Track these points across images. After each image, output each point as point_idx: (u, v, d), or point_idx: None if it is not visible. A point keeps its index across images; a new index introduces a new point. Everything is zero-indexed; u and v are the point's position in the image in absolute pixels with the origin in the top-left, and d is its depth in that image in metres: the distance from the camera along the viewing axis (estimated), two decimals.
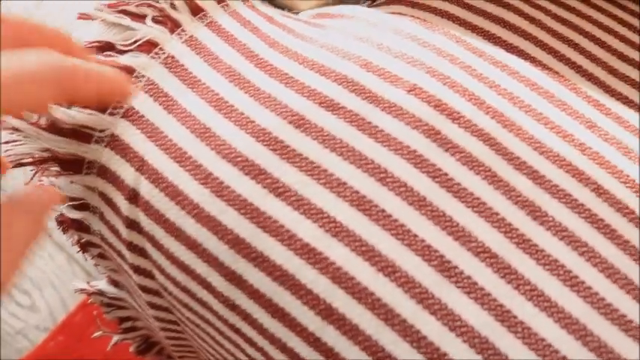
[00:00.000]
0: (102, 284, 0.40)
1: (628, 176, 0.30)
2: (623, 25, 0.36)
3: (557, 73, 0.33)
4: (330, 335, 0.28)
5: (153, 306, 0.36)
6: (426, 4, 0.35)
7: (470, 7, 0.35)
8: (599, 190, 0.29)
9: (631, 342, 0.27)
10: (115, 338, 0.46)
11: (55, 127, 0.33)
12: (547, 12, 0.36)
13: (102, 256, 0.37)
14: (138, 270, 0.34)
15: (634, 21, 0.36)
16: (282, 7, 0.37)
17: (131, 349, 0.49)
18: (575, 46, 0.34)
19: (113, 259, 0.36)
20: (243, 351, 0.32)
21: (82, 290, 0.41)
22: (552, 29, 0.35)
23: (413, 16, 0.34)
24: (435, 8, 0.35)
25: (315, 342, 0.28)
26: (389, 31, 0.33)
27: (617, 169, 0.30)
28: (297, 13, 0.37)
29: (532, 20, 0.35)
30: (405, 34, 0.33)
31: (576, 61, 0.34)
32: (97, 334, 0.44)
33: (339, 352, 0.28)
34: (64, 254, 0.45)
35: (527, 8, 0.35)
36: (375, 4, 0.36)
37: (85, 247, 0.37)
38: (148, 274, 0.34)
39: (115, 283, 0.40)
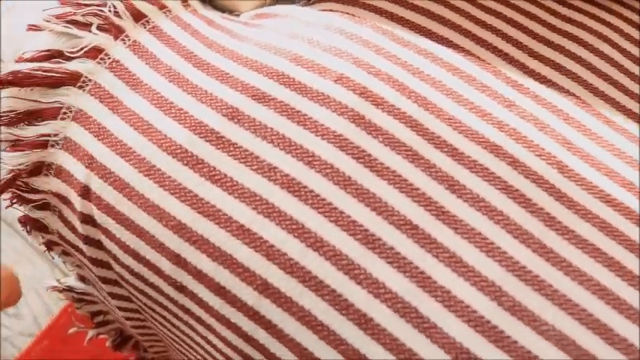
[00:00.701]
0: (71, 280, 0.43)
1: (543, 149, 0.33)
2: (543, 10, 0.39)
3: (479, 58, 0.36)
4: (268, 309, 0.31)
5: (114, 296, 0.39)
6: (356, 0, 0.38)
7: (398, 1, 0.38)
8: (515, 164, 0.32)
9: (543, 299, 0.30)
10: (90, 333, 0.49)
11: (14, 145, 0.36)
12: (472, 2, 0.38)
13: (65, 253, 0.40)
14: (96, 262, 0.37)
15: (554, 5, 0.39)
16: (224, 10, 0.40)
17: (107, 343, 0.52)
18: (498, 32, 0.37)
19: (74, 255, 0.39)
20: (195, 330, 0.35)
21: (53, 288, 0.44)
22: (477, 18, 0.38)
23: (343, 12, 0.37)
24: (364, 3, 0.38)
25: (254, 315, 0.31)
26: (319, 26, 0.36)
27: (534, 143, 0.33)
28: (238, 14, 0.40)
29: (457, 10, 0.38)
30: (334, 28, 0.36)
31: (498, 46, 0.37)
32: (71, 330, 0.47)
33: (276, 323, 0.31)
34: (45, 260, 0.48)
35: (463, 4, 0.38)
36: (309, 3, 0.39)
37: (49, 246, 0.40)
38: (106, 265, 0.37)
39: (82, 279, 0.43)
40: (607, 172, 0.33)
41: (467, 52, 0.36)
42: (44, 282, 0.44)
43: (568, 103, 0.35)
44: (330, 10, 0.38)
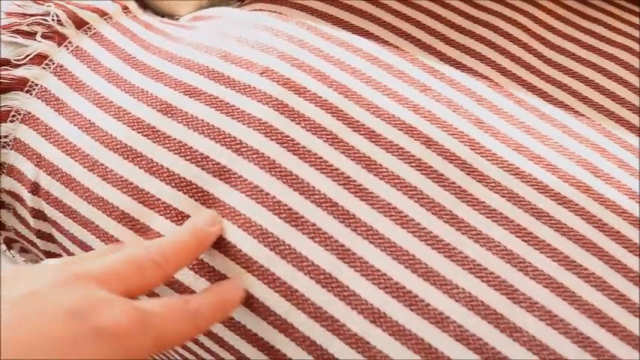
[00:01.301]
0: None
1: (456, 128, 0.36)
2: (462, 2, 0.42)
3: (397, 47, 0.39)
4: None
5: None
6: (283, 0, 0.41)
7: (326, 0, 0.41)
8: (428, 143, 0.36)
9: (454, 265, 0.33)
10: None
11: None
12: (414, 5, 0.42)
13: (24, 250, 0.43)
14: (49, 254, 0.40)
15: None
16: (164, 15, 0.44)
17: None
18: (416, 23, 0.41)
19: (31, 250, 0.42)
20: None
21: None
22: (396, 10, 0.41)
23: (270, 11, 0.41)
24: (290, 2, 0.41)
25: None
26: (248, 25, 0.40)
27: (447, 123, 0.36)
28: (178, 18, 0.43)
29: (378, 4, 0.41)
30: (262, 26, 0.39)
31: (415, 35, 0.40)
32: None
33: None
34: (8, 260, 0.51)
35: (389, 1, 0.42)
36: (241, 4, 0.43)
37: (8, 243, 0.43)
38: (58, 257, 0.40)
39: None
40: (516, 147, 0.36)
41: (385, 42, 0.39)
42: None
43: (481, 85, 0.39)
44: (260, 10, 0.41)
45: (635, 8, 0.45)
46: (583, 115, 0.38)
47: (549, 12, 0.44)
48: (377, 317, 0.32)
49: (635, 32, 0.43)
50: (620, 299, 0.33)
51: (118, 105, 0.37)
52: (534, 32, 0.42)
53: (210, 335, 0.35)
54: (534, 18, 0.43)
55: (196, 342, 0.36)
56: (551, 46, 0.42)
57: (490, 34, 0.41)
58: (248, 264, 0.34)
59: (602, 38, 0.43)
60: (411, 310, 0.32)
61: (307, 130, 0.35)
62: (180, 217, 0.35)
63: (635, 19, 0.44)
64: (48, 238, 0.39)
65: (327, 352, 0.33)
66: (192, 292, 0.35)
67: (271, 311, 0.33)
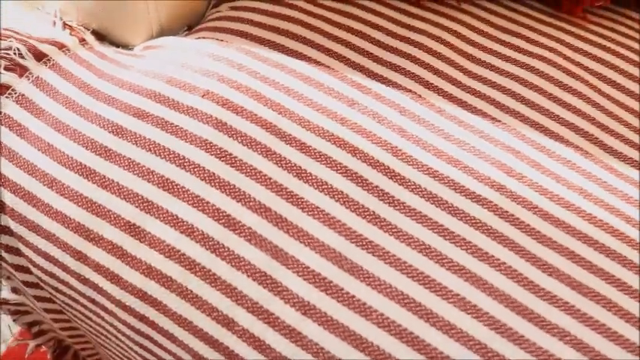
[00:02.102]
0: (5, 293, 0.51)
1: (380, 138, 0.41)
2: (386, 20, 0.47)
3: (328, 66, 0.44)
4: (153, 289, 0.39)
5: (38, 299, 0.47)
6: (224, 27, 0.47)
7: (258, 24, 0.47)
8: (354, 151, 0.40)
9: (376, 260, 0.37)
10: (31, 345, 0.56)
11: None
12: (325, 19, 0.47)
13: None
14: (18, 268, 0.45)
15: (397, 15, 0.48)
16: (119, 45, 0.49)
17: (48, 355, 0.59)
18: (346, 44, 0.46)
19: (2, 267, 0.47)
20: (102, 318, 0.43)
21: None
22: (327, 32, 0.46)
23: (213, 38, 0.46)
24: (231, 29, 0.46)
25: (143, 296, 0.39)
26: (192, 52, 0.45)
27: (372, 133, 0.41)
28: (132, 47, 0.49)
29: (310, 27, 0.47)
30: (204, 52, 0.45)
31: (346, 55, 0.45)
32: (11, 342, 0.55)
33: (161, 300, 0.39)
34: None
35: (307, 19, 0.47)
36: (187, 34, 0.48)
37: None
38: (26, 270, 0.45)
39: (15, 290, 0.51)
40: (436, 153, 0.41)
41: (317, 62, 0.44)
42: None
43: (405, 97, 0.44)
44: (203, 38, 0.47)
45: (555, 22, 0.51)
46: (499, 121, 0.43)
47: (473, 28, 0.49)
48: (308, 310, 0.37)
49: (553, 44, 0.49)
50: (529, 286, 0.37)
51: (74, 128, 0.42)
52: (458, 47, 0.47)
53: (163, 332, 0.40)
54: (459, 34, 0.48)
55: (153, 341, 0.41)
56: (473, 60, 0.47)
57: (415, 51, 0.46)
58: (191, 266, 0.38)
59: (521, 50, 0.48)
60: (338, 301, 0.37)
61: (243, 145, 0.40)
62: (128, 226, 0.40)
63: (553, 32, 0.50)
64: (15, 252, 0.44)
65: (264, 343, 0.37)
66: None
67: (214, 308, 0.38)
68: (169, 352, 0.40)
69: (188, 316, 0.38)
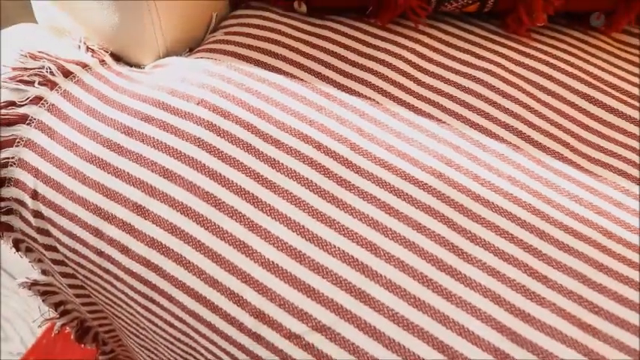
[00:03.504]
0: (35, 275, 0.63)
1: (340, 135, 0.52)
2: (354, 40, 0.59)
3: (302, 79, 0.56)
4: (157, 258, 0.50)
5: (64, 275, 0.59)
6: (218, 49, 0.59)
7: (247, 46, 0.59)
8: (319, 147, 0.52)
9: (329, 230, 0.48)
10: (58, 324, 0.68)
11: None
12: (304, 42, 0.59)
13: (28, 249, 0.60)
14: (47, 247, 0.57)
15: (363, 36, 0.60)
16: (132, 65, 0.61)
17: (72, 336, 0.71)
18: (319, 60, 0.58)
19: (34, 248, 0.59)
20: (115, 287, 0.54)
21: (22, 283, 0.64)
22: (304, 51, 0.58)
23: (209, 57, 0.58)
24: (224, 50, 0.59)
25: (148, 264, 0.51)
26: (191, 69, 0.57)
27: (334, 132, 0.53)
28: (143, 66, 0.61)
29: (291, 48, 0.59)
30: (200, 69, 0.57)
31: (317, 69, 0.57)
32: (37, 319, 0.67)
33: (166, 270, 0.50)
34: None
35: (288, 41, 0.59)
36: (189, 54, 0.61)
37: (16, 244, 0.60)
38: (54, 249, 0.56)
39: (44, 272, 0.63)
40: (387, 148, 0.52)
41: (293, 76, 0.56)
42: (16, 281, 0.64)
43: (364, 103, 0.55)
44: (201, 57, 0.59)
45: (501, 40, 0.62)
46: (443, 122, 0.54)
47: (427, 46, 0.60)
48: (276, 270, 0.48)
49: (496, 58, 0.60)
50: (458, 252, 0.48)
51: (93, 130, 0.54)
52: (413, 62, 0.58)
53: (162, 293, 0.51)
54: (414, 51, 0.59)
55: (155, 302, 0.52)
56: (425, 72, 0.58)
57: (376, 66, 0.58)
58: (185, 238, 0.50)
59: (467, 64, 0.59)
60: (301, 264, 0.48)
61: (229, 142, 0.52)
62: (136, 207, 0.51)
63: (498, 48, 0.61)
64: (45, 233, 0.56)
65: (242, 298, 0.48)
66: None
67: (202, 270, 0.49)
68: (167, 311, 0.52)
69: (182, 278, 0.50)
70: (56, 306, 0.67)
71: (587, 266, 0.48)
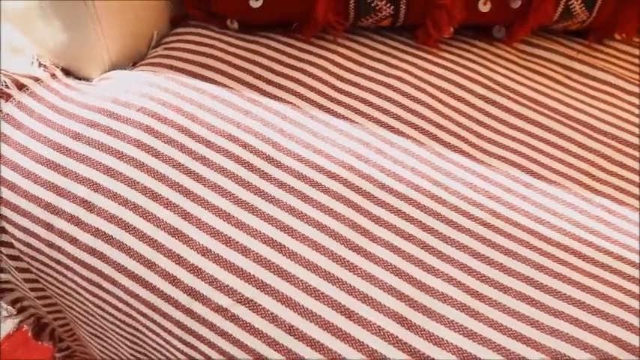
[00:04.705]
0: None
1: (264, 136, 0.61)
2: (280, 53, 0.68)
3: (232, 88, 0.65)
4: (102, 247, 0.58)
5: (19, 270, 0.66)
6: (158, 62, 0.68)
7: (184, 60, 0.68)
8: (246, 146, 0.60)
9: (252, 216, 0.57)
10: (15, 321, 0.75)
11: None
12: (235, 55, 0.68)
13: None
14: (3, 244, 0.64)
15: (288, 49, 0.69)
16: (81, 78, 0.70)
17: (29, 333, 0.78)
18: (248, 71, 0.67)
19: None
20: (66, 277, 0.62)
21: None
22: (235, 64, 0.67)
23: (149, 71, 0.67)
24: (163, 64, 0.67)
25: (94, 252, 0.58)
26: (133, 80, 0.66)
27: (258, 133, 0.61)
28: (91, 79, 0.69)
29: (223, 61, 0.67)
30: (141, 80, 0.65)
31: (246, 79, 0.66)
32: (3, 319, 0.74)
33: (110, 257, 0.58)
34: None
35: (220, 54, 0.68)
36: (132, 68, 0.69)
37: None
38: (10, 245, 0.64)
39: (1, 270, 0.70)
40: (305, 145, 0.61)
41: (224, 85, 0.65)
42: None
43: (287, 108, 0.64)
44: (142, 70, 0.68)
45: (412, 50, 0.71)
46: (356, 123, 0.63)
47: (345, 56, 0.69)
48: (207, 253, 0.56)
49: (407, 66, 0.69)
50: (362, 231, 0.56)
51: (44, 135, 0.62)
52: (331, 71, 0.68)
53: (107, 278, 0.59)
54: (333, 61, 0.69)
55: (101, 287, 0.60)
56: (342, 79, 0.67)
57: (298, 75, 0.67)
58: (126, 227, 0.58)
59: (381, 72, 0.68)
60: (228, 247, 0.56)
61: (165, 143, 0.60)
62: (83, 202, 0.59)
63: (409, 58, 0.70)
64: (1, 230, 0.64)
65: (176, 278, 0.56)
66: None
67: (142, 255, 0.57)
68: (112, 294, 0.59)
69: (124, 263, 0.58)
70: (13, 303, 0.74)
71: (477, 242, 0.57)
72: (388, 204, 0.58)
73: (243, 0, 0.69)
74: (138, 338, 0.62)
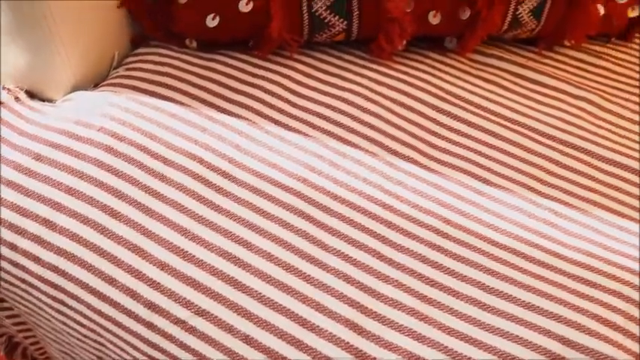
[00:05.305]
0: None
1: (220, 152, 0.63)
2: (238, 71, 0.71)
3: (190, 106, 0.67)
4: (65, 264, 0.60)
5: None
6: (119, 83, 0.70)
7: (143, 79, 0.70)
8: (202, 161, 0.62)
9: (205, 228, 0.59)
10: None
11: None
12: (193, 73, 0.70)
13: None
14: None
15: (245, 66, 0.71)
16: (44, 100, 0.72)
17: (1, 352, 0.80)
18: (206, 89, 0.69)
19: None
20: (31, 294, 0.64)
21: None
22: (193, 82, 0.70)
23: (111, 91, 0.69)
24: (123, 84, 0.70)
25: (56, 269, 0.60)
26: (94, 101, 0.68)
27: (215, 149, 0.63)
28: (55, 101, 0.72)
29: (181, 80, 0.70)
30: (102, 100, 0.67)
31: (203, 97, 0.68)
32: None
33: (55, 263, 0.60)
34: None
35: (179, 73, 0.70)
36: (94, 88, 0.71)
37: None
38: None
39: None
40: (260, 160, 0.63)
41: (182, 104, 0.67)
42: None
43: (242, 124, 0.66)
44: (104, 91, 0.70)
45: (366, 64, 0.74)
46: (310, 136, 0.66)
47: (301, 72, 0.72)
48: (165, 266, 0.58)
49: (360, 79, 0.71)
50: (311, 239, 0.59)
51: (7, 157, 0.64)
52: (287, 87, 0.70)
53: (71, 295, 0.61)
54: (288, 77, 0.71)
55: (65, 304, 0.62)
56: (298, 95, 0.70)
57: (255, 91, 0.69)
58: (86, 244, 0.60)
59: (335, 86, 0.71)
60: (184, 260, 0.58)
61: (124, 161, 0.63)
62: (45, 221, 0.61)
63: (363, 71, 0.73)
64: None
65: (136, 292, 0.58)
66: None
67: (102, 272, 0.59)
68: (76, 311, 0.61)
69: (86, 280, 0.60)
70: None
71: (428, 249, 0.59)
72: (340, 214, 0.61)
73: (200, 20, 0.71)
74: (103, 353, 0.64)
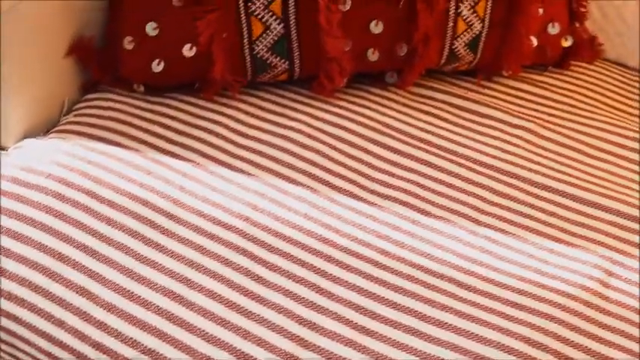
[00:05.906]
0: None
1: (164, 193, 0.66)
2: (184, 113, 0.74)
3: (137, 150, 0.70)
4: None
5: None
6: (67, 129, 0.73)
7: (91, 125, 0.73)
8: (145, 203, 0.65)
9: (144, 266, 0.61)
10: None
11: None
12: (140, 117, 0.73)
13: None
14: None
15: (191, 108, 0.74)
16: None
17: None
18: (151, 132, 0.72)
19: None
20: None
21: None
22: (139, 125, 0.72)
23: (60, 138, 0.72)
24: (72, 130, 0.73)
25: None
26: (43, 148, 0.70)
27: (159, 191, 0.66)
28: (6, 149, 0.74)
29: (128, 124, 0.73)
30: (50, 148, 0.70)
31: (149, 141, 0.71)
32: None
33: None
34: None
35: (125, 117, 0.73)
36: (44, 135, 0.74)
37: None
38: None
39: None
40: (204, 200, 0.66)
41: (128, 148, 0.70)
42: None
43: (188, 166, 0.69)
44: (53, 138, 0.73)
45: (308, 100, 0.77)
46: (253, 175, 0.69)
47: (245, 112, 0.75)
48: (112, 309, 0.60)
49: (300, 116, 0.75)
50: (257, 279, 0.61)
51: None
52: (231, 127, 0.73)
53: (28, 326, 0.63)
54: (232, 117, 0.74)
55: (17, 336, 0.64)
56: (241, 134, 0.73)
57: (199, 133, 0.72)
58: (28, 284, 0.62)
59: (277, 124, 0.74)
60: (131, 301, 0.61)
61: (72, 207, 0.65)
62: (18, 257, 0.64)
63: (304, 108, 0.76)
64: None
65: (120, 332, 0.60)
66: None
67: (72, 305, 0.61)
68: (28, 355, 0.63)
69: (35, 323, 0.61)
70: None
71: (366, 281, 0.62)
72: (281, 250, 0.63)
73: (146, 65, 0.74)
74: None
